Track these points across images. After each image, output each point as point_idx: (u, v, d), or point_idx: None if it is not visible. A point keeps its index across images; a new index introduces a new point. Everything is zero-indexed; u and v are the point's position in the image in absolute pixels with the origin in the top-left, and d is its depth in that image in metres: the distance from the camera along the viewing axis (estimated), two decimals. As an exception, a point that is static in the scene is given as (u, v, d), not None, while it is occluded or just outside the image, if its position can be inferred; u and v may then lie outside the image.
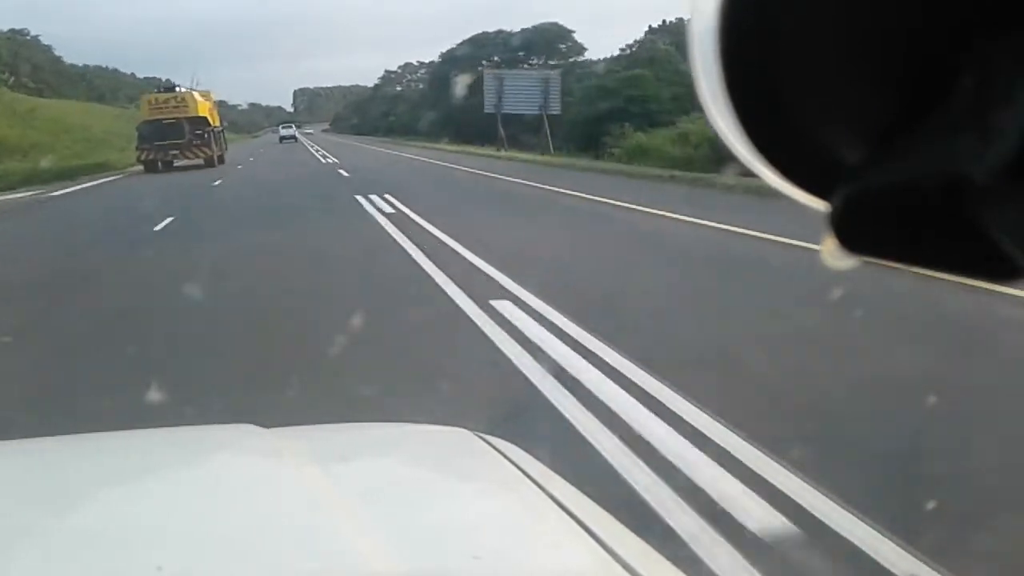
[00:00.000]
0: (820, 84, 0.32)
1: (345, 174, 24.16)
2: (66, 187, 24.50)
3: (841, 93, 0.33)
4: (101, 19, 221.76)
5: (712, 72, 0.33)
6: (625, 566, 0.84)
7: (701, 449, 3.25)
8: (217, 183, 22.53)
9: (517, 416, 3.84)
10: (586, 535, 0.91)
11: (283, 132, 73.03)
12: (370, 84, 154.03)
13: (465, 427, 1.37)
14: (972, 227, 0.30)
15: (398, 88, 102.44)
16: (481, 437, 1.28)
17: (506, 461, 1.15)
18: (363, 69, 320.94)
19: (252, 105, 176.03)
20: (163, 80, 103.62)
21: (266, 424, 1.28)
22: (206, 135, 32.16)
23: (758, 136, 0.34)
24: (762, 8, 0.32)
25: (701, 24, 0.33)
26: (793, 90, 0.32)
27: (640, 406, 3.78)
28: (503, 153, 31.75)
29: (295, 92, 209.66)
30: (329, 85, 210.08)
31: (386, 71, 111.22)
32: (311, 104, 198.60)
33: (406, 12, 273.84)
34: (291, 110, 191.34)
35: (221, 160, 33.63)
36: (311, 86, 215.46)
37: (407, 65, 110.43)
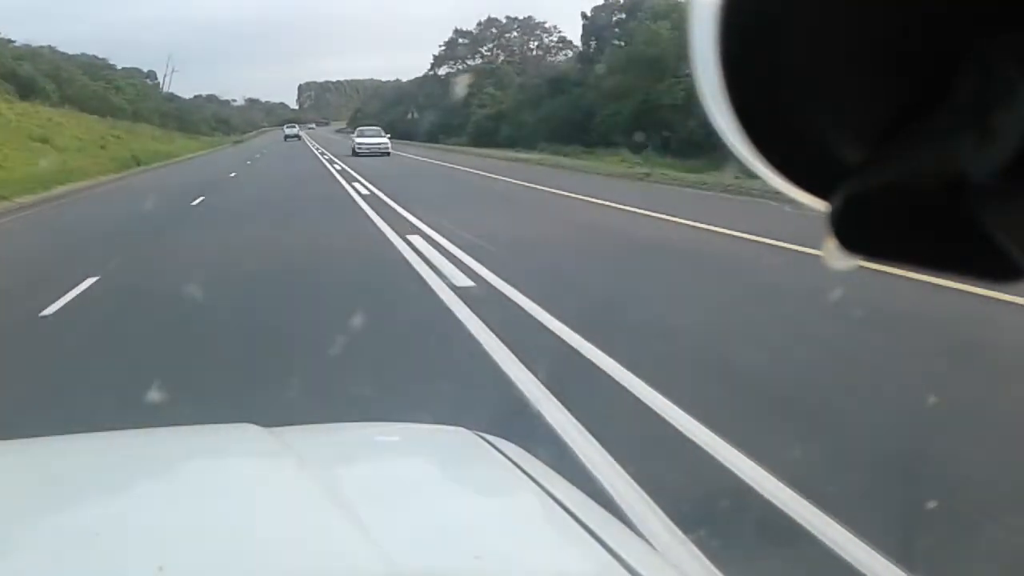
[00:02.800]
0: (820, 84, 0.32)
1: None
2: None
3: (841, 93, 0.33)
4: (94, 20, 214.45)
5: (712, 72, 0.33)
6: (625, 566, 0.84)
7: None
8: None
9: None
10: (587, 535, 0.91)
11: (287, 131, 71.88)
12: (384, 79, 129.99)
13: (465, 425, 1.37)
14: (972, 227, 0.30)
15: (470, 62, 61.47)
16: (481, 437, 1.28)
17: (506, 461, 1.15)
18: (372, 68, 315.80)
19: (250, 101, 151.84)
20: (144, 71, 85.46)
21: (266, 423, 1.26)
22: None
23: (758, 136, 0.34)
24: (762, 8, 0.32)
25: (701, 23, 0.33)
26: (793, 90, 0.32)
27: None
28: None
29: (300, 87, 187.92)
30: (340, 79, 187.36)
31: (456, 30, 65.53)
32: (318, 100, 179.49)
33: (418, 9, 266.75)
34: (295, 107, 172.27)
35: None
36: (318, 80, 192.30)
37: (489, 24, 64.34)
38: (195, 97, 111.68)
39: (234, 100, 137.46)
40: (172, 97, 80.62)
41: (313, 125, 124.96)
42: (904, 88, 0.31)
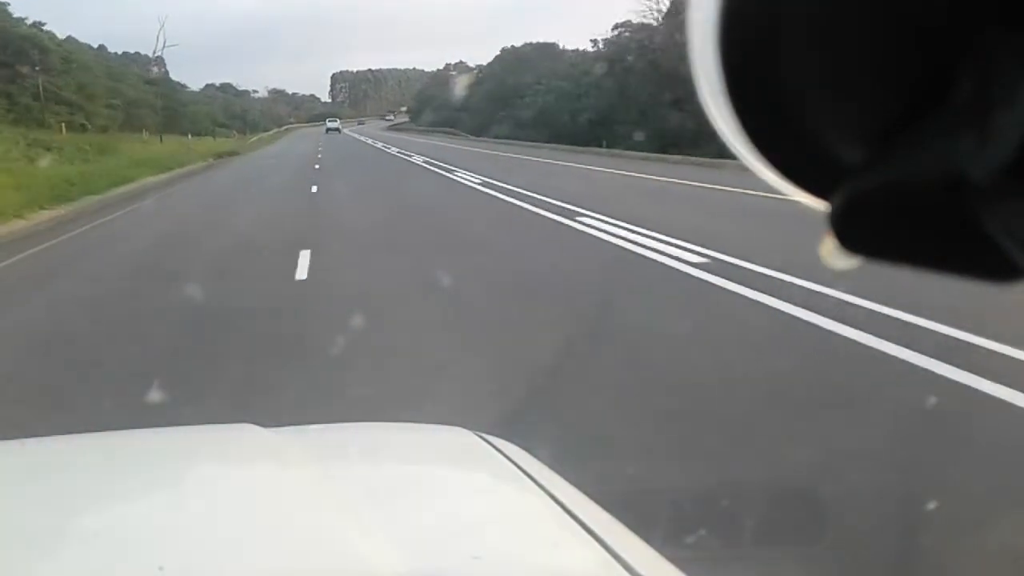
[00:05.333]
0: (820, 84, 0.32)
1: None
2: None
3: (841, 93, 0.32)
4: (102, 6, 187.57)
5: (712, 72, 0.33)
6: (625, 566, 0.84)
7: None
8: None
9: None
10: (586, 535, 0.91)
11: (329, 125, 73.01)
12: (428, 68, 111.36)
13: (465, 425, 1.36)
14: (972, 227, 0.30)
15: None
16: (482, 437, 1.28)
17: (506, 461, 1.16)
18: (413, 59, 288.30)
19: (275, 93, 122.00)
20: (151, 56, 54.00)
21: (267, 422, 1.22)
22: None
23: (758, 136, 0.34)
24: (762, 8, 0.31)
25: (701, 24, 0.32)
26: (793, 90, 0.32)
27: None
28: None
29: (333, 76, 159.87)
30: (380, 68, 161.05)
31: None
32: (353, 92, 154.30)
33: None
34: (328, 100, 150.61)
35: None
36: (353, 70, 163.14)
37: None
38: (206, 87, 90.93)
39: (255, 91, 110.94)
40: (161, 82, 54.62)
41: (392, 116, 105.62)
42: (904, 88, 0.31)
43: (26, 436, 1.37)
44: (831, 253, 0.33)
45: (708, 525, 2.58)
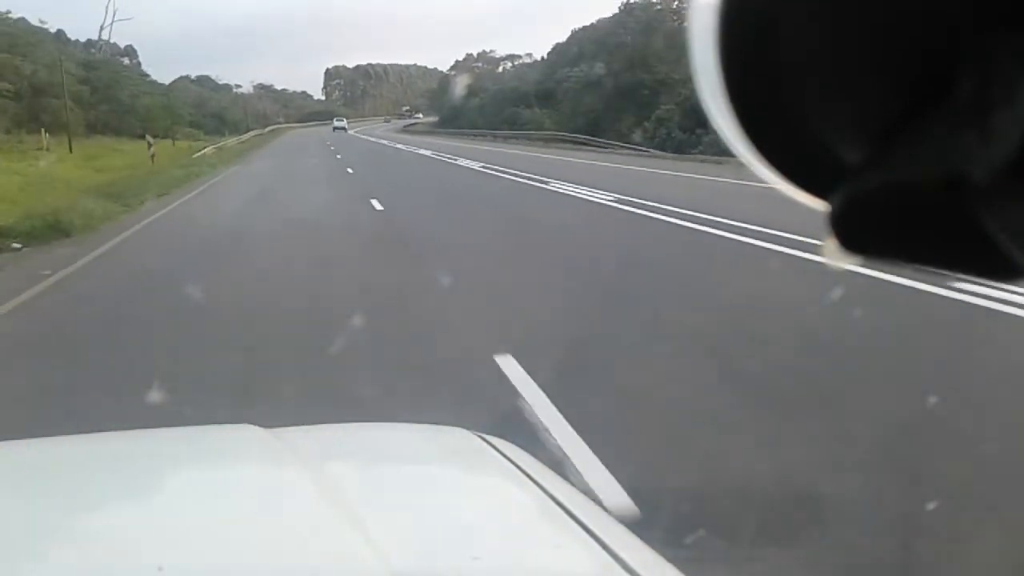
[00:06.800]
0: (820, 84, 0.32)
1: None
2: None
3: (841, 93, 0.32)
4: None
5: (712, 72, 0.33)
6: (624, 566, 0.84)
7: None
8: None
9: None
10: (586, 535, 0.91)
11: (336, 124, 72.90)
12: (431, 65, 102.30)
13: (465, 425, 1.37)
14: (972, 227, 0.30)
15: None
16: (481, 437, 1.28)
17: (506, 461, 1.16)
18: (413, 58, 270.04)
19: (261, 88, 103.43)
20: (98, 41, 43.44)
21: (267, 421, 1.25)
22: None
23: (758, 136, 0.34)
24: (762, 8, 0.31)
25: (701, 24, 0.33)
26: (793, 90, 0.32)
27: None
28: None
29: (327, 72, 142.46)
30: (381, 62, 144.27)
31: None
32: (349, 90, 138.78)
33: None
34: (321, 97, 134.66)
35: None
36: (349, 65, 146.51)
37: None
38: (179, 79, 76.52)
39: (238, 86, 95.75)
40: (103, 65, 42.25)
41: (420, 115, 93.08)
42: (904, 88, 0.31)
43: None
44: (831, 252, 0.33)
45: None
